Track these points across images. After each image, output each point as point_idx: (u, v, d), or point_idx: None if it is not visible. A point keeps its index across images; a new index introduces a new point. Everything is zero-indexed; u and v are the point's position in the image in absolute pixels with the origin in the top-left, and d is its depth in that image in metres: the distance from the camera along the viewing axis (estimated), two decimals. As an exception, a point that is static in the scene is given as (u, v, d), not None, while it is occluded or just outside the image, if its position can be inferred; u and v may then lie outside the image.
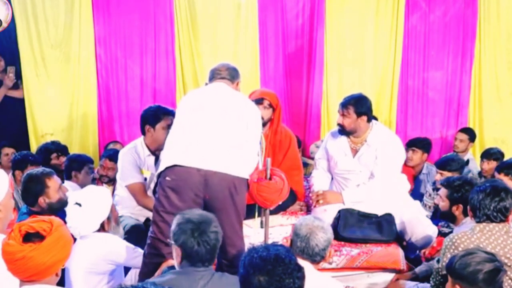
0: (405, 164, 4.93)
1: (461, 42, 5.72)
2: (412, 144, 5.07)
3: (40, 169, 3.46)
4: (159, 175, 2.99)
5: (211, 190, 2.86)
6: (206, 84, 3.25)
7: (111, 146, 5.35)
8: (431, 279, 2.86)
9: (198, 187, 2.85)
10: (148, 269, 2.89)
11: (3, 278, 2.18)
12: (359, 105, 3.71)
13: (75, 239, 3.04)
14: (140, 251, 3.05)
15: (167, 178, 2.90)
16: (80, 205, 2.96)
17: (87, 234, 2.98)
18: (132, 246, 3.06)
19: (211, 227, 2.35)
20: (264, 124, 3.94)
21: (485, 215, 2.75)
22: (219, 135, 2.93)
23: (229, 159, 2.89)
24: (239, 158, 2.94)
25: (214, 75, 3.20)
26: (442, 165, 4.33)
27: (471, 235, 2.72)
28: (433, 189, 4.35)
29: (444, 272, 2.68)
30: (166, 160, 2.95)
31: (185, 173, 2.85)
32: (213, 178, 2.85)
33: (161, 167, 2.96)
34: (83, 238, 3.00)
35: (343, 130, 3.80)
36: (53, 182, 3.33)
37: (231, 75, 3.21)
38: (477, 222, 2.79)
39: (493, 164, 4.66)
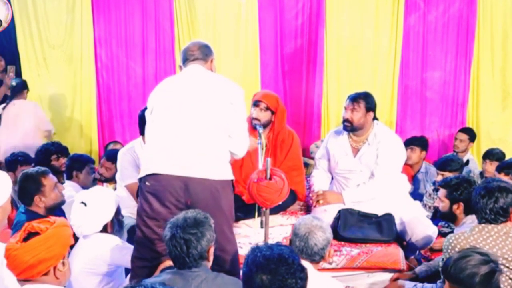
0: (405, 163, 4.94)
1: (460, 42, 5.72)
2: (410, 142, 5.08)
3: (35, 168, 3.47)
4: (140, 180, 2.92)
5: (192, 195, 2.79)
6: (180, 67, 3.10)
7: (111, 146, 5.36)
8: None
9: (178, 192, 2.79)
10: (136, 273, 2.85)
11: (10, 276, 2.19)
12: (369, 99, 3.74)
13: (77, 239, 3.05)
14: None
15: (147, 184, 2.84)
16: (85, 204, 2.96)
17: (89, 234, 2.99)
18: (132, 247, 3.05)
19: (185, 232, 2.32)
20: (264, 126, 3.94)
21: (483, 218, 2.73)
22: (198, 133, 2.81)
23: (209, 162, 2.81)
24: (221, 158, 2.85)
25: (187, 57, 3.04)
26: (442, 165, 4.33)
27: (468, 235, 2.70)
28: (433, 190, 4.35)
29: None
30: (145, 166, 2.87)
31: (164, 179, 2.80)
32: (193, 183, 2.78)
33: (141, 173, 2.90)
34: (85, 238, 3.01)
35: (350, 126, 3.75)
36: (49, 180, 3.33)
37: (204, 53, 3.05)
38: (479, 223, 2.78)
39: (496, 164, 4.66)
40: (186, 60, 3.05)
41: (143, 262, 2.86)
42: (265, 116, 3.95)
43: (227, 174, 2.89)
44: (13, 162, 4.33)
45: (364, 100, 3.71)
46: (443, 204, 3.33)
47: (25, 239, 2.08)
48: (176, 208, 2.77)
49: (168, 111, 2.88)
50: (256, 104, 3.94)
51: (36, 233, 2.09)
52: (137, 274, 2.84)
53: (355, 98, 3.72)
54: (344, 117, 3.77)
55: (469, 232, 2.72)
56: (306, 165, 5.15)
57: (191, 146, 2.80)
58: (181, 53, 3.12)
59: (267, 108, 3.96)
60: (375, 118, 3.82)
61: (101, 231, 3.01)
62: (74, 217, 2.97)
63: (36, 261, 2.05)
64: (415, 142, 5.12)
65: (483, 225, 2.72)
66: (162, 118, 2.88)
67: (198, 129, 2.82)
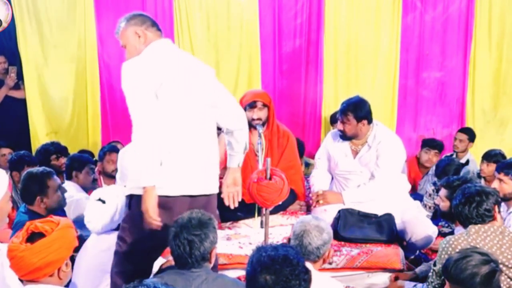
0: (423, 165, 5.12)
1: (458, 41, 5.72)
2: (434, 146, 5.21)
3: (40, 168, 3.47)
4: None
5: (192, 206, 2.67)
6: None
7: (111, 146, 5.36)
8: (428, 281, 2.85)
9: (185, 206, 2.66)
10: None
11: (12, 276, 2.19)
12: (358, 110, 3.70)
13: (83, 239, 3.07)
14: None
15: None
16: (104, 202, 2.98)
17: (102, 232, 3.01)
18: None
19: (189, 233, 2.31)
20: (262, 125, 3.95)
21: (471, 223, 2.74)
22: (206, 150, 2.73)
23: (213, 178, 2.78)
24: (217, 170, 2.82)
25: (146, 20, 2.97)
26: (441, 175, 4.32)
27: (467, 236, 2.71)
28: (433, 190, 4.35)
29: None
30: (161, 184, 2.59)
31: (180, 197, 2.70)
32: (199, 198, 2.72)
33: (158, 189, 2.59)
34: (97, 235, 3.03)
35: (344, 136, 3.80)
36: (53, 182, 3.34)
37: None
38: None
39: (493, 166, 4.62)
40: (143, 23, 2.96)
41: (126, 277, 2.66)
42: (264, 114, 3.97)
43: (218, 185, 2.87)
44: (19, 162, 4.30)
45: (353, 112, 3.69)
46: (443, 204, 3.36)
47: (28, 239, 2.07)
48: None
49: (184, 119, 2.67)
50: (252, 105, 3.92)
51: (39, 233, 2.08)
52: None
53: (343, 111, 3.72)
54: (337, 128, 3.81)
55: (467, 233, 2.73)
56: (307, 164, 5.16)
57: (202, 165, 2.72)
58: (139, 15, 2.99)
59: (264, 105, 3.97)
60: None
61: (113, 229, 3.01)
62: (90, 213, 2.99)
63: (43, 264, 2.04)
64: (437, 147, 5.23)
65: (479, 225, 2.73)
66: (180, 129, 2.66)
67: (206, 144, 2.74)
